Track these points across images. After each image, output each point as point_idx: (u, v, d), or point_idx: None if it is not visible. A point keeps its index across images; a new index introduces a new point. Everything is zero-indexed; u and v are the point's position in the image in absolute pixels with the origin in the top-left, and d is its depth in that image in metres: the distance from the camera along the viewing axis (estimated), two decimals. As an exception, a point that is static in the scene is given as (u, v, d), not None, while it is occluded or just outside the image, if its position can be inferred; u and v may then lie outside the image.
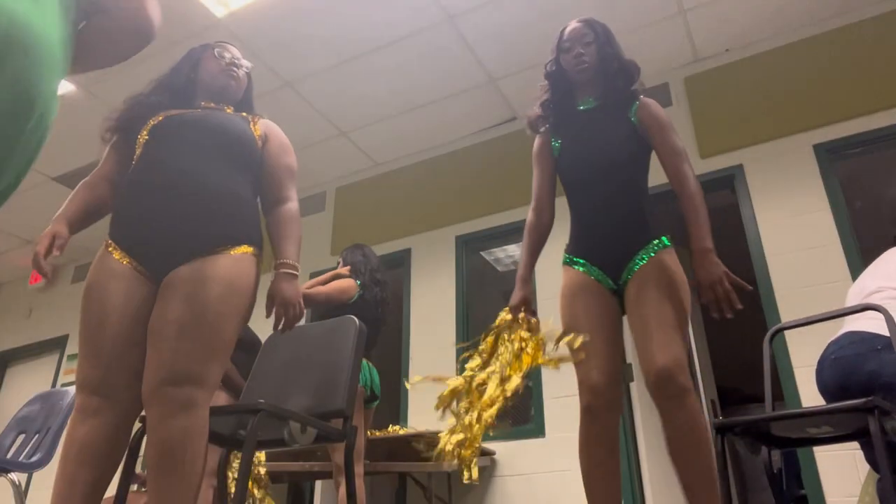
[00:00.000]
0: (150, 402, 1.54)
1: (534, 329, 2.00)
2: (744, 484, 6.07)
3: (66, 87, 4.42)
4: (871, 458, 2.24)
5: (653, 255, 1.91)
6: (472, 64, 4.33)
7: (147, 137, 1.80)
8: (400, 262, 4.88)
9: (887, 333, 2.08)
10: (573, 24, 2.15)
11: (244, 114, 1.99)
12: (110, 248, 1.72)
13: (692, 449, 1.75)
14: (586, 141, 2.07)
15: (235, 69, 2.02)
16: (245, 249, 1.71)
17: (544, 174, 2.19)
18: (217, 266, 1.64)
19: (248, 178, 1.84)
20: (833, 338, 2.26)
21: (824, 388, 2.25)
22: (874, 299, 2.23)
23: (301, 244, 1.86)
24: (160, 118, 1.83)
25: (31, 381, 6.39)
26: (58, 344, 6.36)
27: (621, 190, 2.00)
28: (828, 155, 3.70)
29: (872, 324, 2.16)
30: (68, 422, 1.60)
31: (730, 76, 4.17)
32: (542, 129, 2.21)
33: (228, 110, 1.99)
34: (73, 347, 6.26)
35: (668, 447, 1.81)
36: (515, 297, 2.08)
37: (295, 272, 1.79)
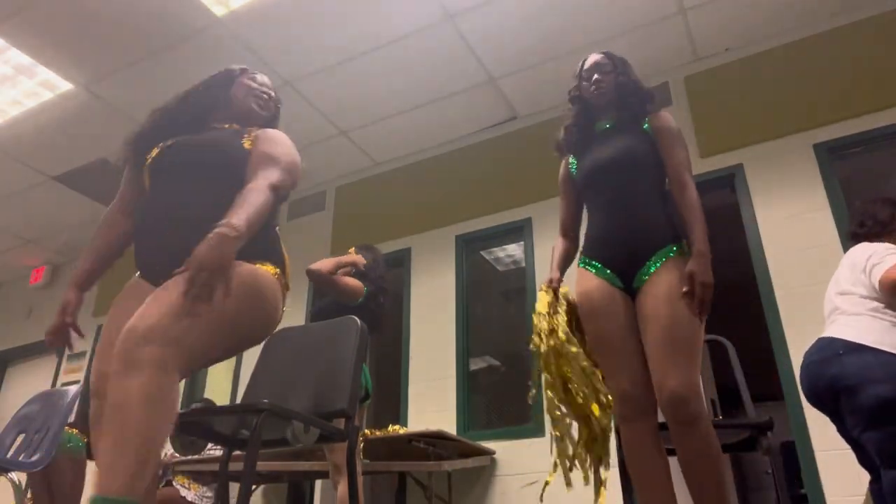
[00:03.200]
0: (114, 360, 1.43)
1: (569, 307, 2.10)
2: (744, 484, 6.07)
3: (65, 86, 4.42)
4: (862, 461, 2.27)
5: (665, 260, 1.95)
6: (472, 63, 4.33)
7: (149, 168, 1.84)
8: (400, 262, 4.88)
9: (851, 338, 2.18)
10: (594, 56, 2.27)
11: (236, 127, 1.95)
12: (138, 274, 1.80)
13: (704, 474, 1.79)
14: (600, 152, 2.16)
15: (265, 98, 2.03)
16: (254, 264, 1.67)
17: (569, 201, 2.31)
18: None
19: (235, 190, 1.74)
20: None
21: (805, 394, 2.36)
22: (839, 302, 2.32)
23: (257, 215, 1.62)
24: (156, 151, 1.85)
25: (31, 381, 6.39)
26: (58, 344, 6.35)
27: (633, 193, 2.05)
28: (828, 155, 3.70)
29: (839, 329, 2.25)
30: None
31: (730, 76, 4.17)
32: (567, 155, 2.32)
33: (227, 127, 1.96)
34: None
35: (681, 468, 1.84)
36: (549, 276, 2.19)
37: (227, 230, 1.52)
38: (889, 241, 2.41)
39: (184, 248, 1.57)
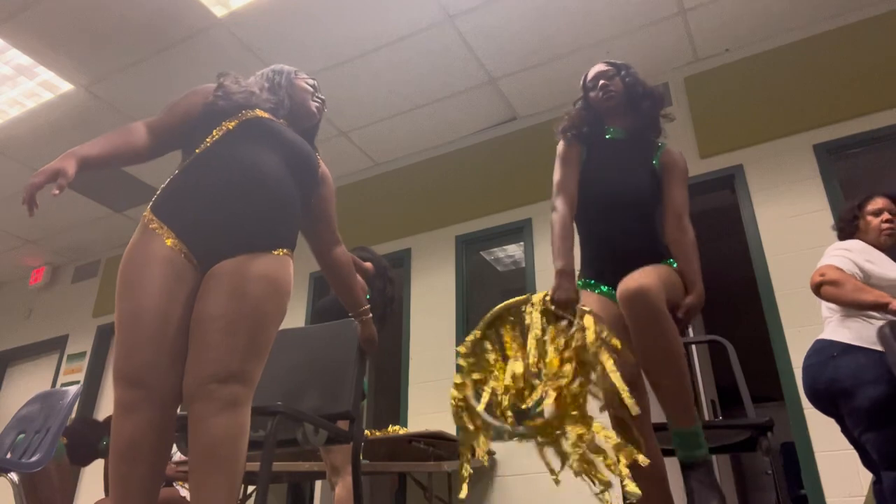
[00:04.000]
0: (194, 399, 1.52)
1: (595, 329, 1.78)
2: (744, 484, 6.07)
3: (65, 86, 4.42)
4: (865, 461, 2.28)
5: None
6: (472, 64, 4.33)
7: (233, 128, 1.81)
8: (400, 262, 4.88)
9: (845, 339, 2.22)
10: (596, 67, 2.27)
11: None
12: (155, 227, 1.67)
13: (652, 338, 1.77)
14: (610, 171, 2.13)
15: (321, 101, 2.11)
16: (284, 252, 1.76)
17: (572, 172, 2.15)
18: (261, 264, 1.67)
19: (300, 195, 1.91)
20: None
21: (806, 396, 2.39)
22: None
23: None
24: (250, 115, 1.85)
25: (31, 381, 6.40)
26: (58, 344, 6.36)
27: (637, 223, 2.08)
28: (828, 155, 3.70)
29: (833, 331, 2.29)
30: (113, 418, 1.57)
31: (730, 76, 4.17)
32: (571, 139, 2.21)
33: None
34: (73, 347, 6.26)
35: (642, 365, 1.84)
36: (566, 291, 1.88)
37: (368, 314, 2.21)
38: (860, 238, 2.48)
39: (248, 231, 1.70)
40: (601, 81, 2.19)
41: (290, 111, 2.02)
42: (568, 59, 4.27)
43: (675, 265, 2.04)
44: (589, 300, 2.04)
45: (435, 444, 3.55)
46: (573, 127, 2.20)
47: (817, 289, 2.30)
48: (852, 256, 2.32)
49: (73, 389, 3.20)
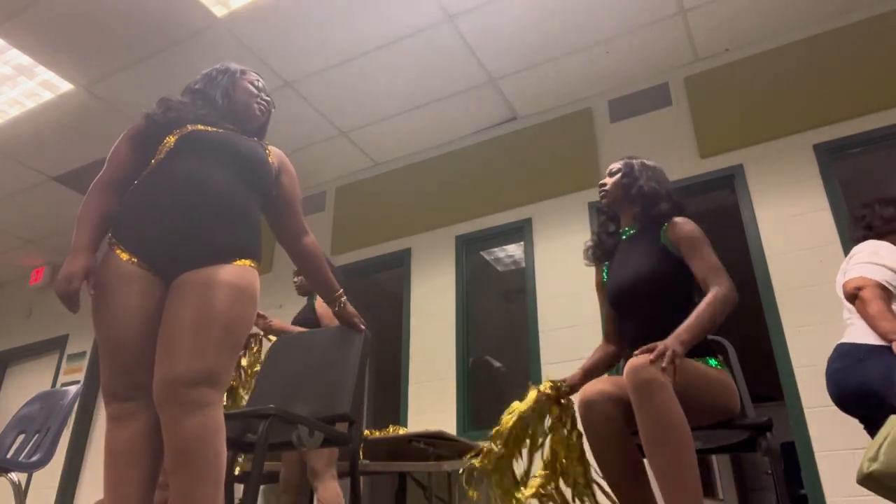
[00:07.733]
0: (165, 402, 1.54)
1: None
2: (744, 484, 6.07)
3: (65, 86, 4.42)
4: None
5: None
6: (472, 64, 4.33)
7: (173, 146, 1.82)
8: (400, 262, 4.88)
9: (869, 341, 2.15)
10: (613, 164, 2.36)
11: (256, 140, 2.04)
12: (116, 250, 1.74)
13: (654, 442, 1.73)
14: (623, 266, 2.19)
15: (266, 103, 2.08)
16: (247, 262, 1.77)
17: (601, 297, 2.34)
18: (225, 273, 1.69)
19: (257, 198, 1.91)
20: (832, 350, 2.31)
21: (833, 401, 2.30)
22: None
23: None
24: (188, 130, 1.85)
25: (31, 381, 6.40)
26: (58, 344, 6.36)
27: (656, 311, 2.06)
28: (828, 155, 3.70)
29: (857, 333, 2.23)
30: (106, 430, 1.63)
31: (730, 76, 4.17)
32: (597, 263, 2.36)
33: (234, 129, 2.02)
34: (73, 347, 6.26)
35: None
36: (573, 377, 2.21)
37: (343, 296, 2.19)
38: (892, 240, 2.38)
39: (206, 244, 1.71)
40: (603, 179, 2.29)
41: (230, 112, 1.99)
42: (568, 59, 4.27)
43: (713, 363, 1.99)
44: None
45: (435, 443, 3.55)
46: (593, 248, 2.35)
47: (852, 299, 2.24)
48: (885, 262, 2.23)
49: (72, 389, 3.20)
